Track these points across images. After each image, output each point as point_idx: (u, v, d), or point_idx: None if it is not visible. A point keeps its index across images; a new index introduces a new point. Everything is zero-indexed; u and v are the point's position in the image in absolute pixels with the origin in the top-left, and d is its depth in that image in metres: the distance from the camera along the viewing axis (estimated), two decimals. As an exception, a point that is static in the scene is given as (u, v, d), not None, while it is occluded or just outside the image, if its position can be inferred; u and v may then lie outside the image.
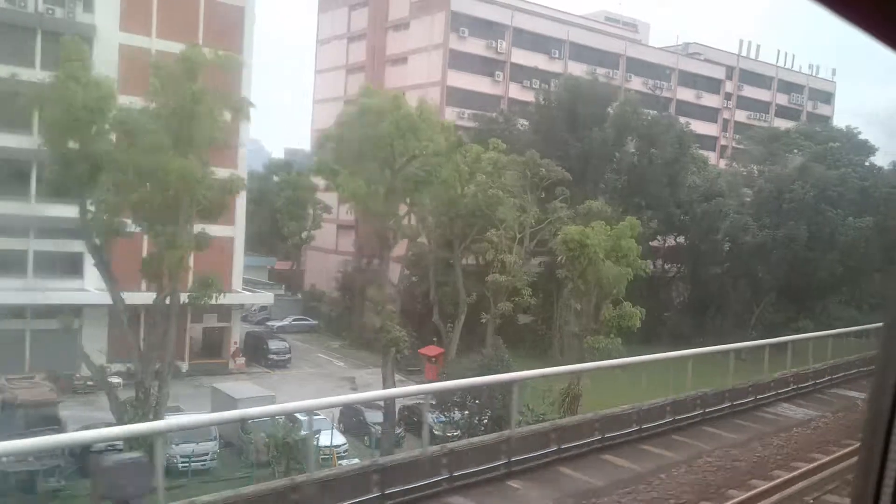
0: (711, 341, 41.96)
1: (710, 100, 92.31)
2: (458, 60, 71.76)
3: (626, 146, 55.57)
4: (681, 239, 65.19)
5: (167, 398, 28.13)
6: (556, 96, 57.94)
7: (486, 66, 73.36)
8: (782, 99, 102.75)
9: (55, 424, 27.36)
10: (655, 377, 26.67)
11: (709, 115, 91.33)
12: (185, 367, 47.07)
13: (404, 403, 37.14)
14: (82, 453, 26.79)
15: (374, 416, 35.86)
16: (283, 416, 30.39)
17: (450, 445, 17.36)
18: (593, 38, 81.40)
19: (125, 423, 25.74)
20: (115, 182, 25.38)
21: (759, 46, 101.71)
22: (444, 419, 35.34)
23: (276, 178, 77.56)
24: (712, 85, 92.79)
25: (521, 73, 75.07)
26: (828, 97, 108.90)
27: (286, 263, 78.32)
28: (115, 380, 40.58)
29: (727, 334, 52.88)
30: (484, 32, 72.70)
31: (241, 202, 48.66)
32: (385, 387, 33.08)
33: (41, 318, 43.48)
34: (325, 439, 30.07)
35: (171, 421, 22.44)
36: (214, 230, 45.58)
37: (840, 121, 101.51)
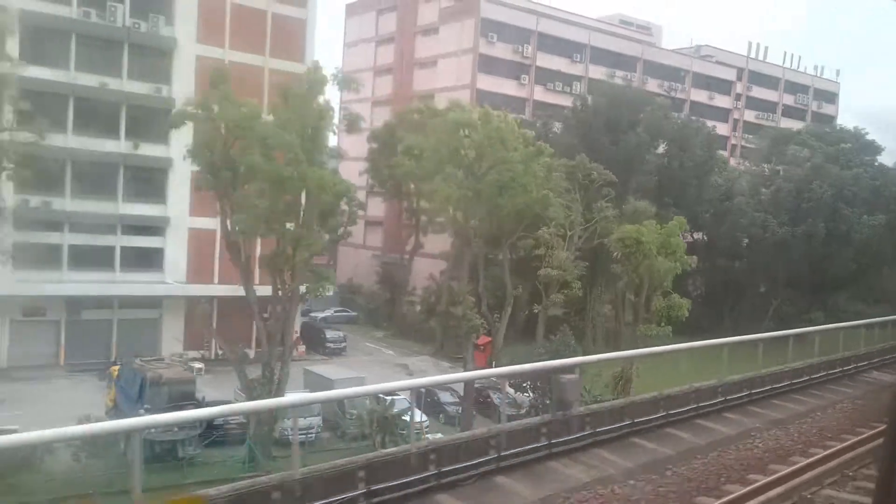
0: (729, 332, 45.59)
1: (722, 101, 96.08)
2: (487, 64, 75.38)
3: (657, 149, 59.35)
4: (701, 235, 68.82)
5: (287, 377, 31.77)
6: (593, 102, 61.61)
7: (513, 70, 77.00)
8: (788, 99, 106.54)
9: (193, 400, 31.05)
10: (694, 363, 30.30)
11: (721, 115, 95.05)
12: (251, 354, 50.68)
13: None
14: (211, 426, 30.56)
15: (445, 397, 39.63)
16: (368, 397, 34.07)
17: (548, 417, 21.18)
18: (612, 42, 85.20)
19: (254, 399, 29.50)
20: (259, 189, 28.85)
21: (766, 48, 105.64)
22: (509, 399, 39.19)
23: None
24: (724, 86, 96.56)
25: (545, 76, 78.86)
26: (832, 97, 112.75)
27: (322, 258, 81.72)
28: (198, 365, 44.36)
29: (744, 326, 56.76)
30: (511, 37, 76.22)
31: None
32: (466, 369, 36.73)
33: (126, 308, 47.11)
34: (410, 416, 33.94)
35: (294, 397, 26.28)
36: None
37: (842, 120, 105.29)
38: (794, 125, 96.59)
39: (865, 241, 60.65)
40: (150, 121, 46.31)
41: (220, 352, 48.31)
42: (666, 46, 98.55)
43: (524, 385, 37.94)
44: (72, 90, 43.65)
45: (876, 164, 70.63)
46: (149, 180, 47.26)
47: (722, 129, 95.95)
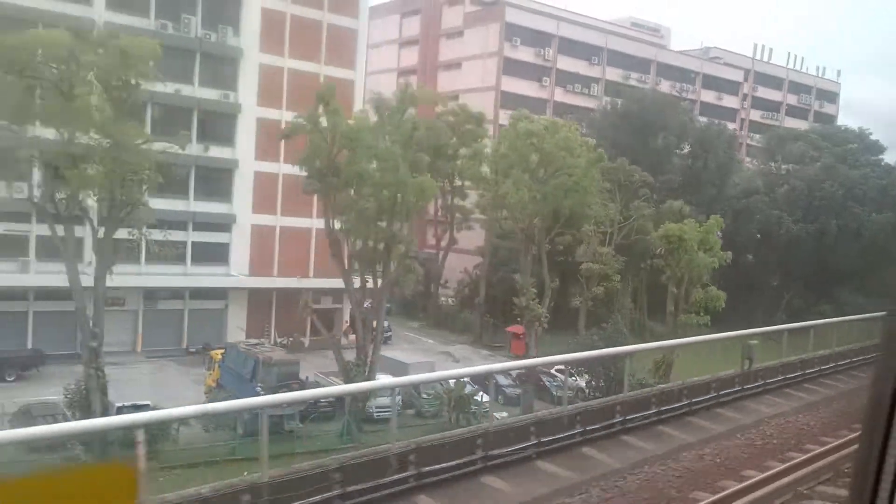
0: (743, 323, 49.18)
1: (730, 101, 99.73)
2: (511, 67, 78.92)
3: (682, 150, 63.19)
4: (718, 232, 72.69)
5: (379, 361, 35.38)
6: (622, 105, 65.30)
7: (535, 72, 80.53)
8: (792, 99, 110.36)
9: (298, 380, 34.61)
10: (721, 352, 34.24)
11: (729, 115, 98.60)
12: (306, 342, 54.25)
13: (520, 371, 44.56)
14: (313, 403, 34.16)
15: (501, 380, 43.28)
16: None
17: (621, 396, 25.20)
18: (627, 45, 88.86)
19: (350, 381, 33.17)
20: (365, 193, 32.38)
21: (771, 50, 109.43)
22: (558, 383, 42.91)
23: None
24: (732, 87, 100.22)
25: (564, 78, 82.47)
26: (833, 97, 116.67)
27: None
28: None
29: (758, 317, 60.52)
30: (533, 41, 79.75)
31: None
32: (530, 356, 40.42)
33: (195, 300, 50.65)
34: (478, 398, 37.73)
35: (384, 380, 30.20)
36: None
37: (842, 119, 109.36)
38: (798, 124, 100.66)
39: (873, 238, 64.63)
40: (218, 124, 49.88)
41: (278, 339, 51.94)
42: (673, 48, 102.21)
43: (572, 371, 41.58)
44: (151, 96, 46.92)
45: (882, 163, 74.61)
46: (217, 180, 50.72)
47: (730, 128, 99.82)
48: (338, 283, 52.44)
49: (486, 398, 40.59)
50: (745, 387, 27.79)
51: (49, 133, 28.33)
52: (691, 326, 41.32)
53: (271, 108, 51.41)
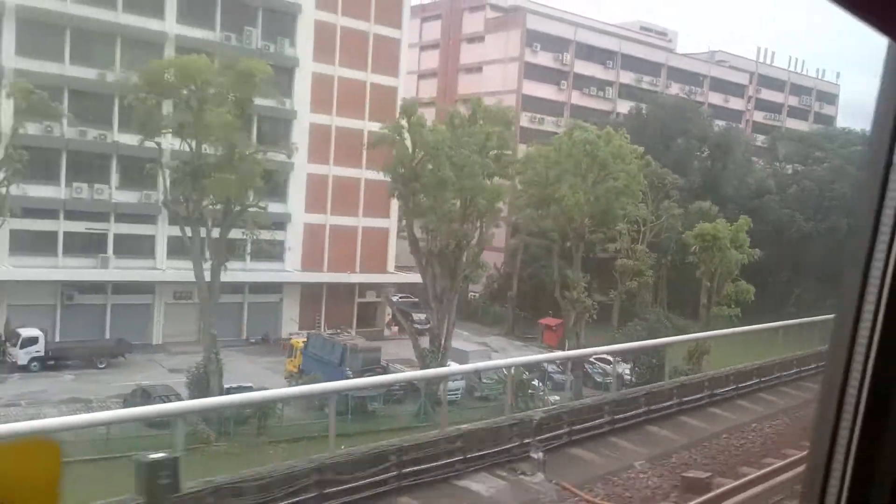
0: (755, 317, 52.83)
1: (736, 103, 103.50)
2: (531, 71, 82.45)
3: (703, 153, 67.03)
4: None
5: (450, 349, 38.94)
6: (648, 110, 69.03)
7: (553, 76, 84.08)
8: (793, 100, 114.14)
9: (380, 365, 38.13)
10: (748, 344, 38.14)
11: (735, 116, 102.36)
12: (353, 332, 57.69)
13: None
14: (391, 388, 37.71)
15: (550, 368, 46.88)
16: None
17: (681, 379, 29.14)
18: (640, 49, 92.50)
19: (426, 367, 36.79)
20: (445, 197, 35.90)
21: (773, 53, 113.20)
22: (597, 370, 46.63)
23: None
24: (738, 90, 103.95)
25: (581, 82, 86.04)
26: (832, 98, 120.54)
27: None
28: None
29: (769, 311, 64.29)
30: (552, 46, 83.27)
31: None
32: (580, 346, 44.03)
33: (253, 294, 54.07)
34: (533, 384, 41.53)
35: (455, 367, 33.95)
36: (379, 223, 56.76)
37: (842, 119, 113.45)
38: (798, 125, 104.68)
39: (881, 236, 68.29)
40: (276, 129, 53.23)
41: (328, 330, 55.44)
42: (679, 51, 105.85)
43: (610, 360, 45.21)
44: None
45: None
46: (274, 182, 54.01)
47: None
48: (380, 278, 56.29)
49: (540, 384, 44.59)
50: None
51: (174, 144, 31.60)
52: (723, 318, 44.95)
53: (323, 113, 54.81)
